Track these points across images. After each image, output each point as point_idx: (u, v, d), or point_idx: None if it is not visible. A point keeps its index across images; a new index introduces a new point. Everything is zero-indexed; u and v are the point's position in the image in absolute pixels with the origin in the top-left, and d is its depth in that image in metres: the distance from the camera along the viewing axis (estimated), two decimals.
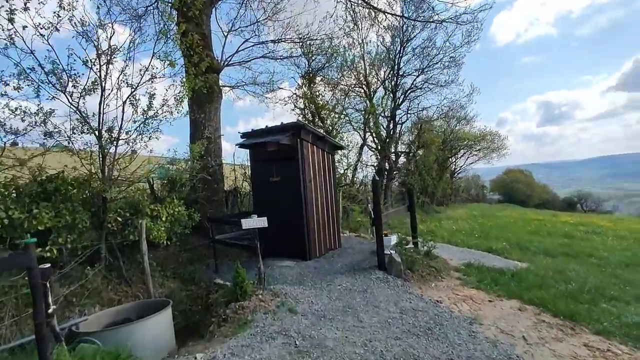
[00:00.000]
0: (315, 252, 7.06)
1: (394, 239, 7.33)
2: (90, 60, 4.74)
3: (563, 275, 6.80)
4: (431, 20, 9.12)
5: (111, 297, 5.21)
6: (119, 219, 5.37)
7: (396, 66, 18.23)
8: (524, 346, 3.85)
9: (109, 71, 4.94)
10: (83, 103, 5.08)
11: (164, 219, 5.71)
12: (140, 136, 5.26)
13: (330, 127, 13.57)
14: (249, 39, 9.61)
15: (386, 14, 9.40)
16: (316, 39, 10.01)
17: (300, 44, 10.94)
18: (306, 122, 9.96)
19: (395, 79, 18.56)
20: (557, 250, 9.73)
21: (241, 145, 7.48)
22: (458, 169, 35.08)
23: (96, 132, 5.03)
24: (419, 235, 7.88)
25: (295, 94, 14.06)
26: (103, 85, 5.00)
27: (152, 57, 5.13)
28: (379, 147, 19.12)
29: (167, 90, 5.40)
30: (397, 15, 10.18)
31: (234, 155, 10.88)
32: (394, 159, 20.71)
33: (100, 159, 5.17)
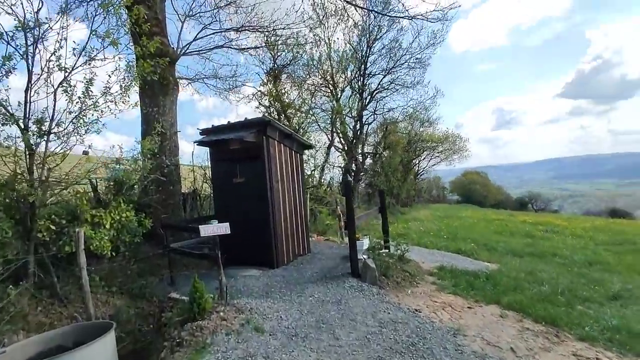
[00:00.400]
0: (283, 259, 6.51)
1: (365, 242, 6.95)
2: (7, 33, 3.92)
3: (534, 276, 6.74)
4: (402, 16, 8.90)
5: (41, 320, 4.39)
6: (52, 227, 4.54)
7: (363, 66, 18.09)
8: (514, 359, 3.56)
9: (37, 51, 4.14)
10: (7, 89, 4.26)
11: (108, 226, 4.94)
12: (76, 130, 4.46)
13: (297, 127, 13.07)
14: (209, 25, 8.82)
15: (357, 7, 9.06)
16: (283, 28, 9.43)
17: (265, 37, 10.34)
18: None
19: (362, 79, 18.41)
20: (523, 250, 9.84)
21: (200, 143, 6.80)
22: (421, 170, 35.83)
23: (21, 124, 4.19)
24: (390, 238, 7.57)
25: (259, 91, 13.45)
26: (30, 68, 4.19)
27: (90, 35, 4.36)
28: (346, 148, 18.87)
29: (109, 76, 4.62)
30: (366, 9, 9.89)
31: (192, 155, 10.07)
32: (360, 160, 20.56)
33: (27, 156, 4.34)
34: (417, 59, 18.43)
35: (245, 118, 6.54)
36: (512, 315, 4.74)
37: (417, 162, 32.12)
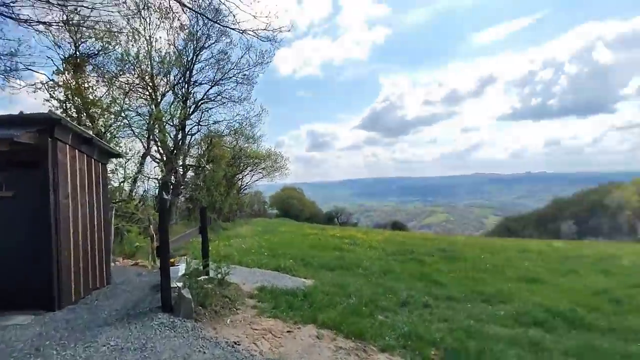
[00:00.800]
0: (69, 296, 5.10)
1: (182, 268, 6.22)
2: None
3: (344, 289, 7.36)
4: (232, 27, 8.65)
5: None
6: None
7: (188, 72, 17.03)
8: None
9: None
10: None
11: None
12: None
13: (104, 129, 10.99)
14: None
15: (185, 6, 8.28)
16: (90, 8, 7.56)
17: (65, 15, 8.24)
18: (68, 118, 7.50)
19: (186, 86, 17.26)
20: (333, 264, 10.79)
21: None
22: (244, 185, 36.09)
23: None
24: (211, 260, 7.02)
25: (52, 80, 10.73)
26: None
27: None
28: (165, 159, 17.11)
29: None
30: (195, 12, 9.18)
31: None
32: (181, 173, 19.04)
33: None
34: (244, 75, 18.70)
35: (21, 112, 4.94)
36: (327, 334, 4.93)
37: (241, 177, 32.21)
